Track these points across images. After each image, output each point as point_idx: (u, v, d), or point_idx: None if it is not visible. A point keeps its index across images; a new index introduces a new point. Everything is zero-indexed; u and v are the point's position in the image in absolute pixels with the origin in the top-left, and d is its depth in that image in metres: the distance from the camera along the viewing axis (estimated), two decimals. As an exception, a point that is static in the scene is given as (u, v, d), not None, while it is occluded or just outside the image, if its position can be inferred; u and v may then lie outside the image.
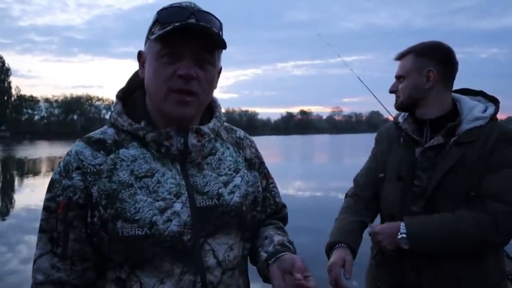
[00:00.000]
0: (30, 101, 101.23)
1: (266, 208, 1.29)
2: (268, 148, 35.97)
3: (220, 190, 1.12)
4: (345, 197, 1.96)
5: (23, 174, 17.64)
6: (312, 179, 15.45)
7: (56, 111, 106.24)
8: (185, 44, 1.03)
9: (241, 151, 1.24)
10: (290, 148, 41.86)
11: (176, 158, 1.09)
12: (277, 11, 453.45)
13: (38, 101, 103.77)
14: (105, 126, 1.15)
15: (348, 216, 1.80)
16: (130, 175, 1.05)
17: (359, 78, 2.46)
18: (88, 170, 1.05)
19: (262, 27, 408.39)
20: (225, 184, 1.14)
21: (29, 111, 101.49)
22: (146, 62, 1.09)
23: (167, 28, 1.01)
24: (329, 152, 33.83)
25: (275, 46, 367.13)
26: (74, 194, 1.04)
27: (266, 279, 1.10)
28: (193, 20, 1.03)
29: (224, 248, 1.10)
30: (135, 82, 1.18)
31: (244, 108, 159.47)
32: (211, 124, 1.15)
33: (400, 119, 1.82)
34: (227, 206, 1.12)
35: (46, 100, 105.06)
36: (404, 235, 1.56)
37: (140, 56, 1.13)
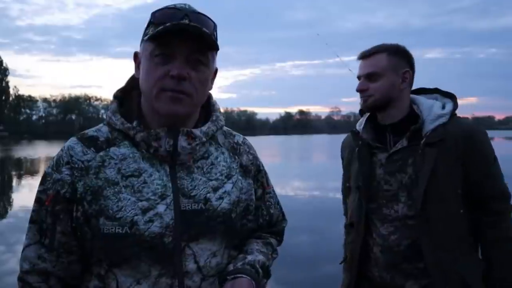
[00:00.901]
0: (28, 101, 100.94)
1: (258, 218, 1.26)
2: (267, 148, 35.95)
3: (208, 195, 1.10)
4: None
5: (21, 174, 17.60)
6: (311, 179, 15.44)
7: (54, 111, 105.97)
8: (178, 45, 1.03)
9: (236, 157, 1.21)
10: (289, 148, 41.84)
11: (165, 159, 1.09)
12: (275, 11, 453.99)
13: (36, 101, 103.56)
14: (101, 124, 1.16)
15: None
16: (117, 173, 1.06)
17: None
18: (76, 166, 1.06)
19: (261, 27, 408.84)
20: (215, 189, 1.11)
21: (27, 111, 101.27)
22: (141, 63, 1.09)
23: (159, 28, 1.01)
24: (328, 152, 33.81)
25: (273, 46, 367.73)
26: (62, 188, 1.06)
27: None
28: (186, 21, 1.02)
29: (206, 254, 1.07)
30: (134, 82, 1.18)
31: (242, 108, 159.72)
32: (204, 128, 1.13)
33: (358, 126, 1.81)
34: (214, 212, 1.09)
35: (44, 100, 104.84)
36: None
37: (136, 57, 1.13)
